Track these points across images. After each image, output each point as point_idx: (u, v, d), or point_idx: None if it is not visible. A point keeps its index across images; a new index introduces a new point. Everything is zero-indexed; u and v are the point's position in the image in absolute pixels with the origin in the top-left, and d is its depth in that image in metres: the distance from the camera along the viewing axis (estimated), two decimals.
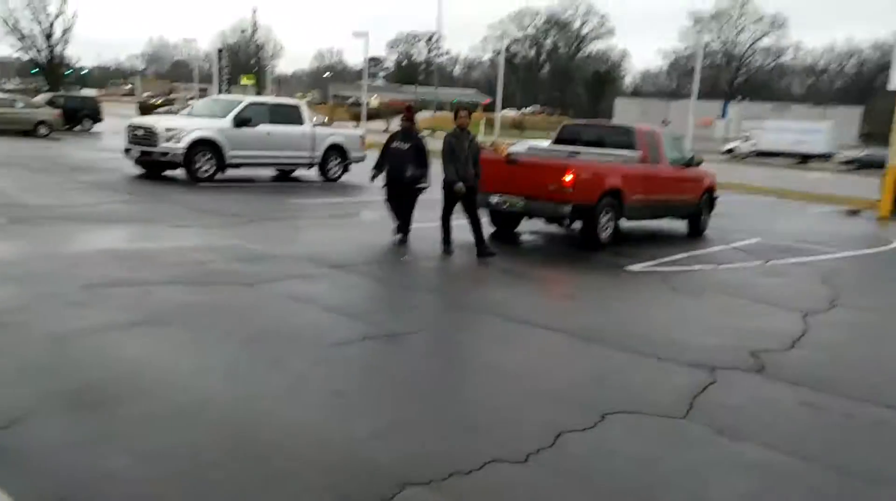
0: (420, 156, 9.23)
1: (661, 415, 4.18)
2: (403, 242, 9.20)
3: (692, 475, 3.49)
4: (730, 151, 50.83)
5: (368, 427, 3.73)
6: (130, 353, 4.57)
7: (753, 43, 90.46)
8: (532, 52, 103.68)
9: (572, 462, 3.53)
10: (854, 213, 17.85)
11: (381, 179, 9.50)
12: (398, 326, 5.59)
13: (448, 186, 8.47)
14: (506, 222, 10.58)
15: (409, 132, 9.42)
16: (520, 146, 13.21)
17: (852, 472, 3.62)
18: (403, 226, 9.35)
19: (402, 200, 9.32)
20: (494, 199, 9.64)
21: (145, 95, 67.56)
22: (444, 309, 6.20)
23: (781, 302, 7.30)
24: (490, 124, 41.21)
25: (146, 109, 43.66)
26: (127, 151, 15.15)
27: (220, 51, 42.89)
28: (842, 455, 3.81)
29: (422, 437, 3.68)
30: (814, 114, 76.84)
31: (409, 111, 9.70)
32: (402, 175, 9.16)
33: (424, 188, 9.35)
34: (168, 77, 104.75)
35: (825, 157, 51.22)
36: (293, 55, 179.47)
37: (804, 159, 49.21)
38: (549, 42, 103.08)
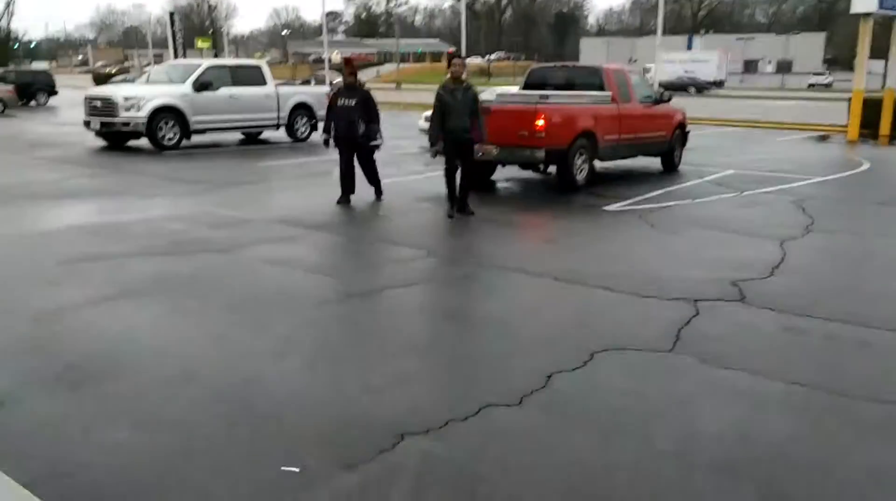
0: (369, 110, 8.66)
1: (648, 350, 4.22)
2: (346, 202, 8.68)
3: (683, 405, 3.55)
4: None
5: (360, 384, 3.72)
6: (112, 328, 4.49)
7: None
8: None
9: (565, 400, 3.57)
10: (824, 138, 18.03)
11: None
12: (380, 282, 5.56)
13: (445, 145, 7.85)
14: (481, 171, 10.50)
15: (353, 87, 8.79)
16: (489, 94, 13.03)
17: (838, 392, 3.70)
18: (348, 190, 8.75)
19: (357, 159, 8.85)
20: None
21: (99, 64, 65.51)
22: (425, 263, 6.17)
23: (758, 232, 7.38)
24: None
25: (101, 79, 42.39)
26: (87, 123, 14.74)
27: (171, 14, 41.51)
28: (827, 377, 3.89)
29: (414, 389, 3.69)
30: (778, 42, 76.92)
31: (349, 64, 9.05)
32: (353, 133, 8.60)
33: (379, 145, 8.90)
34: (120, 45, 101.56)
35: (717, 84, 52.59)
36: (248, 14, 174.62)
37: (699, 90, 49.75)
38: None
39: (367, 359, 4.07)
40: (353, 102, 8.58)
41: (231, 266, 5.96)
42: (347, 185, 8.76)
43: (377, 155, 9.02)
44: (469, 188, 8.14)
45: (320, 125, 17.35)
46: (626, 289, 5.37)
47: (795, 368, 4.00)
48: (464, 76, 8.06)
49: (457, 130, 7.75)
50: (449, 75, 7.87)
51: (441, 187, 8.40)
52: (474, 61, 65.90)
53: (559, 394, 3.64)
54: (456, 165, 7.94)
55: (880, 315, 4.88)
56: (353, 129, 8.57)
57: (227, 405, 3.47)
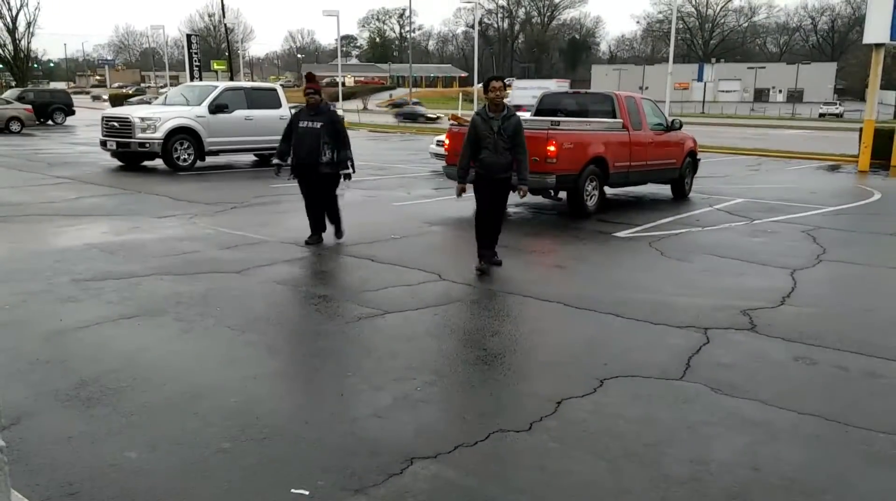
0: (338, 134, 7.47)
1: (658, 377, 4.22)
2: (317, 241, 7.70)
3: (693, 433, 3.54)
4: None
5: (369, 406, 3.74)
6: (127, 346, 4.54)
7: (726, 3, 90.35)
8: (505, 24, 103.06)
9: (575, 427, 3.57)
10: (834, 168, 18.02)
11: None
12: (391, 305, 5.58)
13: (477, 184, 6.71)
14: None
15: (317, 107, 7.50)
16: None
17: (849, 424, 3.68)
18: (318, 227, 7.78)
19: (319, 192, 7.65)
20: None
21: (116, 85, 66.42)
22: (437, 286, 6.20)
23: (769, 261, 7.37)
24: (468, 98, 40.96)
25: (118, 99, 42.98)
26: (103, 143, 14.95)
27: (189, 36, 42.20)
28: (838, 408, 3.88)
29: (423, 413, 3.70)
30: (789, 71, 77.15)
31: (312, 80, 7.71)
32: (316, 160, 7.39)
33: (350, 175, 7.71)
34: (137, 66, 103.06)
35: None
36: (264, 37, 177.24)
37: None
38: (521, 12, 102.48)
39: (377, 382, 4.08)
40: (317, 125, 7.39)
41: (245, 287, 6.01)
42: (317, 221, 7.76)
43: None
44: (497, 232, 6.93)
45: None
46: (637, 316, 5.38)
47: (806, 398, 3.99)
48: (506, 100, 6.70)
49: (493, 167, 6.52)
50: (488, 102, 6.54)
51: (450, 211, 8.45)
52: None
53: (569, 420, 3.64)
54: (488, 209, 6.72)
55: (891, 346, 4.87)
56: (316, 155, 7.38)
57: (237, 425, 3.49)
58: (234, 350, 4.55)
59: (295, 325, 5.04)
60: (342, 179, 7.71)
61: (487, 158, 6.49)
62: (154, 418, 3.55)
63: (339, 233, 7.90)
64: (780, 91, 75.94)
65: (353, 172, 7.69)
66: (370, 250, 7.50)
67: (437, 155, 15.15)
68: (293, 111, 8.16)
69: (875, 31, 16.63)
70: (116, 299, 5.52)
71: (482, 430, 3.45)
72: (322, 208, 7.71)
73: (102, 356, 4.36)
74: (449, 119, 12.20)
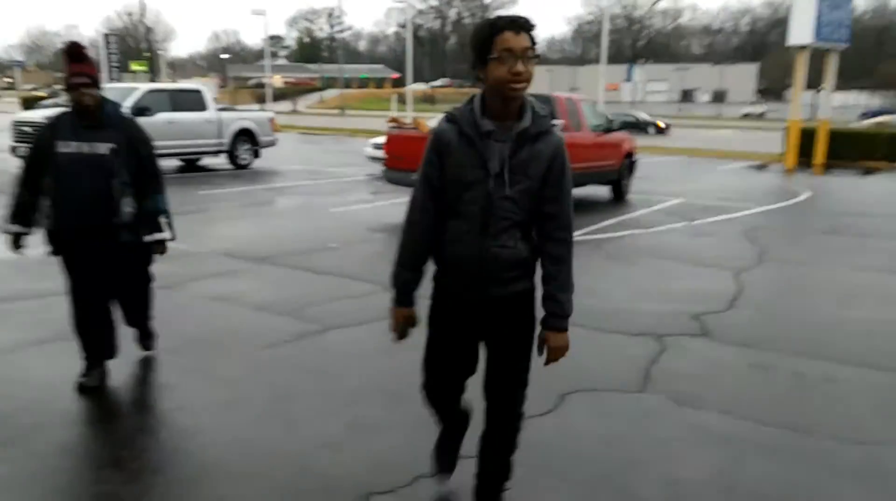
0: (142, 163, 3.86)
1: (619, 390, 4.07)
2: (100, 380, 3.96)
3: (662, 451, 3.39)
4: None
5: (318, 437, 3.44)
6: (42, 375, 4.09)
7: (652, 5, 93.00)
8: (437, 24, 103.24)
9: (538, 450, 3.35)
10: (762, 167, 18.58)
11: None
12: (335, 320, 5.27)
13: (434, 305, 2.74)
14: None
15: (96, 115, 3.71)
16: (436, 122, 12.94)
17: (811, 432, 3.61)
18: (100, 351, 4.00)
19: (110, 279, 3.94)
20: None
21: (28, 87, 63.33)
22: (382, 298, 5.92)
23: (712, 262, 7.39)
24: (402, 99, 40.66)
25: (30, 102, 40.84)
26: (13, 149, 14.04)
27: (107, 36, 40.43)
28: (800, 417, 3.81)
29: (377, 442, 3.42)
30: (713, 72, 79.84)
31: (78, 60, 3.68)
32: (104, 219, 3.73)
33: (167, 241, 4.02)
34: (52, 68, 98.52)
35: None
36: (187, 37, 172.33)
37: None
38: (453, 13, 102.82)
39: (325, 408, 3.78)
40: (102, 150, 3.69)
41: (175, 304, 5.58)
42: (98, 340, 4.00)
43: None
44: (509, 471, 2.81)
45: (263, 152, 17.17)
46: (590, 324, 5.23)
47: (768, 407, 3.91)
48: (540, 110, 2.41)
49: (481, 266, 2.42)
50: (484, 91, 2.34)
51: (392, 216, 8.13)
52: (418, 87, 66.24)
53: (532, 442, 3.41)
54: (466, 370, 2.76)
55: (840, 348, 4.87)
56: (104, 209, 3.71)
57: (172, 461, 3.14)
58: (164, 376, 4.16)
59: (231, 346, 4.68)
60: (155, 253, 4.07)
61: (465, 245, 2.40)
62: (73, 459, 3.16)
63: (149, 339, 4.42)
64: (706, 92, 78.58)
65: (173, 238, 4.05)
66: (309, 261, 7.15)
67: (374, 158, 14.82)
68: (45, 123, 3.89)
69: (799, 34, 17.19)
70: (30, 321, 5.03)
71: None
72: (125, 303, 4.16)
73: (16, 388, 3.90)
74: (387, 122, 11.90)
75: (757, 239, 8.64)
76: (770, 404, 3.97)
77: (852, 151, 18.84)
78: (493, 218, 2.32)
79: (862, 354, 4.74)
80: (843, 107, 52.72)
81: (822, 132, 18.68)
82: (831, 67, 18.88)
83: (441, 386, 2.78)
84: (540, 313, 2.52)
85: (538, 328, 2.53)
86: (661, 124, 36.22)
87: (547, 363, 2.55)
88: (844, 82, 45.24)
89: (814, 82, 23.07)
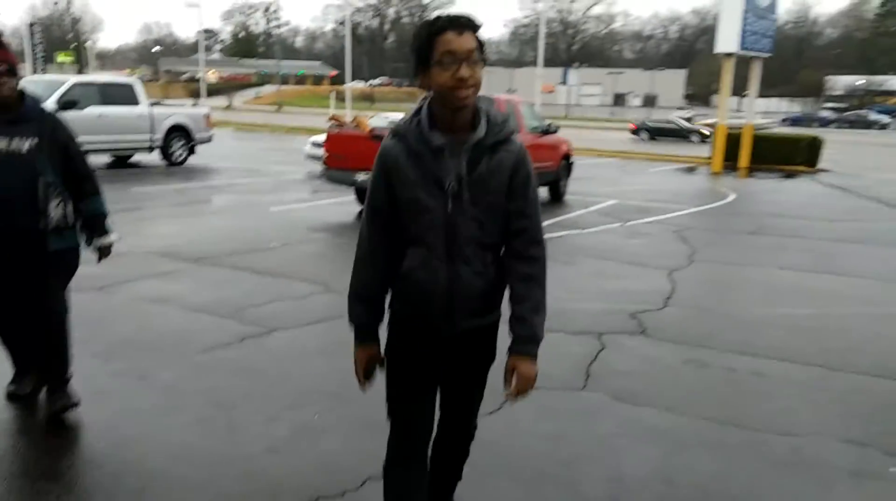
0: (71, 162, 3.46)
1: (561, 388, 4.15)
2: (33, 387, 3.79)
3: (603, 447, 3.48)
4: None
5: (263, 441, 3.39)
6: None
7: (587, 10, 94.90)
8: (376, 23, 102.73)
9: (487, 448, 3.38)
10: (691, 170, 19.21)
11: None
12: (276, 321, 5.20)
13: (391, 341, 2.32)
14: None
15: (16, 109, 3.33)
16: (379, 120, 12.91)
17: (745, 426, 3.76)
18: (26, 360, 3.80)
19: (31, 290, 3.47)
20: (361, 177, 9.31)
21: None
22: (323, 299, 5.87)
23: (647, 262, 7.61)
24: (341, 96, 40.24)
25: None
26: None
27: (32, 25, 38.67)
28: (734, 411, 3.96)
29: (324, 444, 3.40)
30: (644, 77, 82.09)
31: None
32: (30, 224, 3.32)
33: (107, 248, 3.73)
34: None
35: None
36: (116, 29, 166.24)
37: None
38: (391, 11, 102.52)
39: (269, 411, 3.73)
40: (24, 146, 3.29)
41: (107, 306, 5.40)
42: (25, 346, 3.76)
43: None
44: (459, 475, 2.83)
45: (198, 148, 16.69)
46: None
47: (704, 403, 4.06)
48: (496, 116, 2.15)
49: (443, 297, 2.16)
50: (434, 97, 2.04)
51: (332, 216, 8.08)
52: (357, 86, 65.79)
53: (480, 441, 3.46)
54: (421, 411, 2.39)
55: (768, 344, 5.09)
56: (28, 212, 3.31)
57: (108, 474, 3.05)
58: (99, 383, 4.02)
59: (169, 349, 4.56)
60: (97, 259, 3.74)
61: (429, 271, 2.13)
62: (9, 466, 3.03)
63: (60, 376, 3.61)
64: (637, 96, 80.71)
65: (119, 239, 3.87)
66: (249, 261, 7.02)
67: (313, 156, 14.66)
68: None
69: (726, 42, 17.85)
70: None
71: None
72: (34, 321, 3.56)
73: None
74: (328, 120, 11.79)
75: (688, 239, 8.95)
76: (704, 399, 4.12)
77: (774, 155, 19.68)
78: (456, 243, 2.08)
79: (787, 349, 4.97)
80: (766, 112, 55.08)
81: (746, 137, 19.46)
82: (755, 74, 19.66)
83: (412, 452, 2.39)
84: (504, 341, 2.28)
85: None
86: (706, 132, 29.59)
87: (516, 395, 2.25)
88: (766, 89, 47.20)
89: (739, 89, 23.97)
